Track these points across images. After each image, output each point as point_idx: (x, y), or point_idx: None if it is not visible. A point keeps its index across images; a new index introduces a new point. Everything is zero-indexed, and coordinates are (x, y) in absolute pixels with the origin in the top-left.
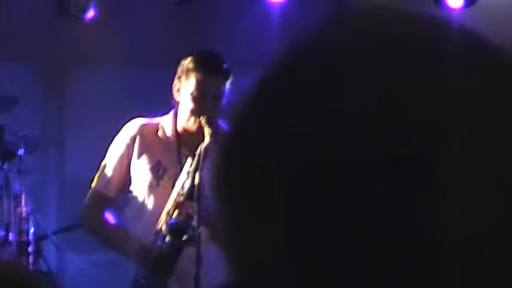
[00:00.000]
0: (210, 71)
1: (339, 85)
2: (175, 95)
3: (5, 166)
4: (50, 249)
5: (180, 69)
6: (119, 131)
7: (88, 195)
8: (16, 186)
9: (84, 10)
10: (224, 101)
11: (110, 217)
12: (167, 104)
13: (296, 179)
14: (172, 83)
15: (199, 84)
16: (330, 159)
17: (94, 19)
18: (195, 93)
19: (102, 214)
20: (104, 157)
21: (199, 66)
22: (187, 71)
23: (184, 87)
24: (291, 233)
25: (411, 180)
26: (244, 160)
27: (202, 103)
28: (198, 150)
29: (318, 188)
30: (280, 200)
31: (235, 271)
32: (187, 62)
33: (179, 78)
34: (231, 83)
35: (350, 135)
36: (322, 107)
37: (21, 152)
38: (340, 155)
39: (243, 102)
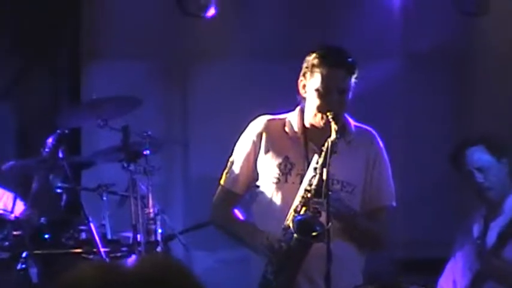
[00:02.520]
0: (335, 65)
1: None
2: (301, 92)
3: (131, 167)
4: (177, 249)
5: (304, 65)
6: (242, 128)
7: (217, 193)
8: (142, 187)
9: (205, 8)
10: (350, 95)
11: (238, 214)
12: (290, 98)
13: None
14: (295, 77)
15: (324, 79)
16: None
17: (214, 16)
18: (320, 89)
19: (232, 211)
20: (228, 154)
21: (324, 61)
22: (312, 66)
23: (310, 83)
24: None
25: None
26: None
27: (329, 98)
28: (325, 146)
29: None
30: None
31: None
32: (311, 58)
33: (304, 74)
34: (357, 77)
35: None
36: None
37: (146, 152)
38: None
39: None
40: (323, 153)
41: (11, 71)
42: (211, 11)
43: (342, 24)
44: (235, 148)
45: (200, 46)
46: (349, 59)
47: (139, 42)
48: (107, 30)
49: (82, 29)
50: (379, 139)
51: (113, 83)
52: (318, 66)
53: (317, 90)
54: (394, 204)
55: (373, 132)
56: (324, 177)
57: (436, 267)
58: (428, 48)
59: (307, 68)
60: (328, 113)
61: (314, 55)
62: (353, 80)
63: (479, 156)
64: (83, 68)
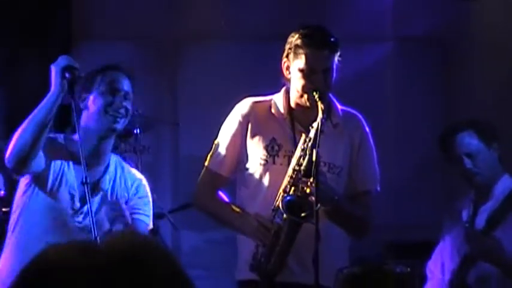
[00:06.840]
0: (318, 45)
1: None
2: (285, 73)
3: (121, 145)
4: (166, 228)
5: (287, 46)
6: (231, 109)
7: (201, 175)
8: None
9: None
10: (334, 74)
11: (223, 196)
12: (280, 80)
13: None
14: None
15: (309, 60)
16: None
17: None
18: (305, 69)
19: (216, 193)
20: (217, 135)
21: (308, 42)
22: (296, 47)
23: (294, 64)
24: None
25: None
26: None
27: (313, 78)
28: (314, 126)
29: None
30: None
31: None
32: (294, 39)
33: (287, 56)
34: (340, 56)
35: None
36: None
37: (136, 131)
38: None
39: None
40: (312, 133)
41: (2, 54)
42: None
43: (334, 6)
44: (221, 130)
45: (191, 26)
46: (332, 38)
47: (130, 22)
48: (97, 11)
49: (73, 10)
50: (365, 124)
51: (104, 62)
52: (301, 47)
53: (301, 70)
54: (378, 188)
55: (360, 116)
56: (314, 157)
57: (424, 250)
58: (419, 32)
59: (290, 49)
60: (314, 93)
61: (297, 36)
62: (336, 58)
63: (468, 141)
64: (74, 48)
